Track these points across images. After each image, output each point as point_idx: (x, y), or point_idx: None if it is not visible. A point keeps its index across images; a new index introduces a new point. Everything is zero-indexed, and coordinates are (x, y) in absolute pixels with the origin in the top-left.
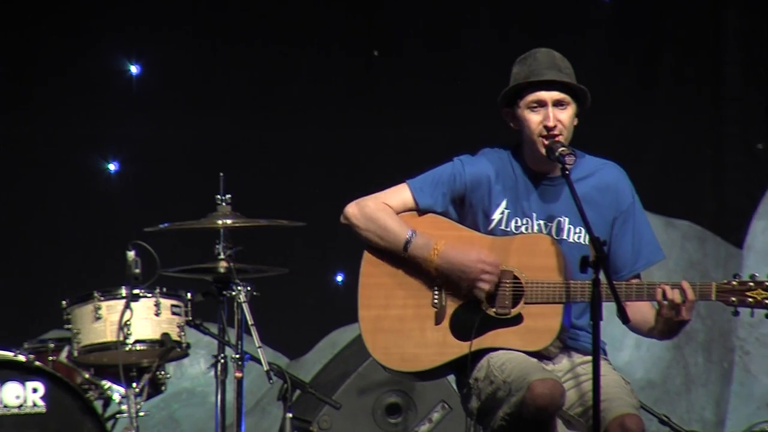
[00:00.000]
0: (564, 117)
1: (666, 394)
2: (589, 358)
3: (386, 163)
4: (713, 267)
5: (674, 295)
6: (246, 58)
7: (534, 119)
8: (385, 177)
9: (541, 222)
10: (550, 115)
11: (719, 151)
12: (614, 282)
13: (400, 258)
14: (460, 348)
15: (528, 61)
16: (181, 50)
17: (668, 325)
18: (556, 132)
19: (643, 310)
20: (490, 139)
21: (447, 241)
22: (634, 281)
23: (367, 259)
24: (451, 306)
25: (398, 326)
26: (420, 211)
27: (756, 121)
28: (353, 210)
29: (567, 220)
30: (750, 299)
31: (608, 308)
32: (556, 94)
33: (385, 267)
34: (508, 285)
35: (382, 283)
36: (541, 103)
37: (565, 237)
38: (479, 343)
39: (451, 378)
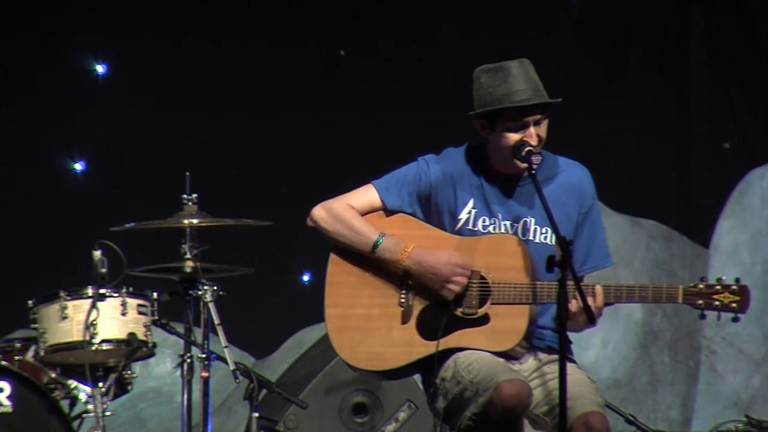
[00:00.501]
0: (541, 132)
1: (632, 393)
2: (555, 357)
3: (353, 163)
4: (679, 266)
5: (573, 306)
6: (212, 57)
7: (514, 137)
8: (352, 176)
9: (507, 222)
10: (533, 134)
11: (686, 150)
12: (547, 282)
13: (367, 258)
14: (426, 347)
15: (501, 75)
16: (148, 50)
17: (575, 324)
18: (537, 149)
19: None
20: (455, 138)
21: (416, 243)
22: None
23: (334, 260)
24: (417, 305)
25: (364, 325)
26: (387, 211)
27: (722, 121)
28: (320, 213)
29: (533, 220)
30: (716, 302)
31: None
32: (537, 117)
33: (351, 266)
34: (475, 285)
35: (349, 282)
36: (524, 126)
37: (531, 237)
38: (446, 342)
39: (418, 377)
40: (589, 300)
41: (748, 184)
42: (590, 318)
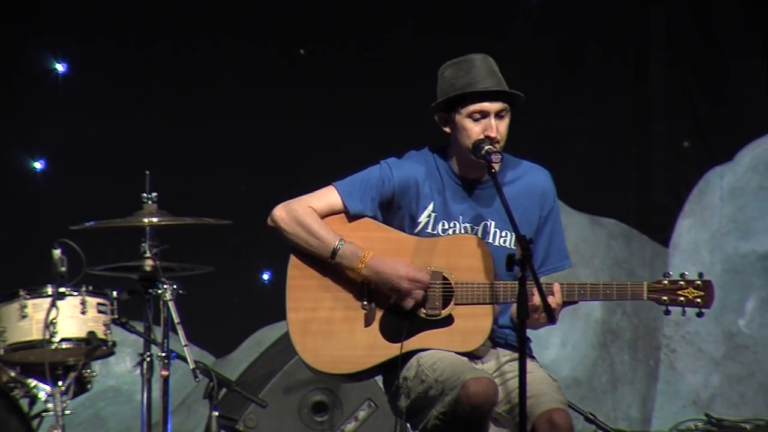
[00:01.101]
0: (503, 127)
1: (592, 392)
2: (516, 355)
3: (312, 162)
4: (639, 265)
5: (534, 301)
6: (172, 56)
7: (475, 129)
8: (312, 176)
9: (468, 225)
10: (494, 125)
11: (645, 149)
12: (502, 282)
13: (327, 262)
14: (390, 350)
15: (464, 67)
16: (107, 48)
17: (534, 322)
18: (496, 142)
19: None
20: (414, 140)
21: (373, 248)
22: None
23: (294, 262)
24: (380, 308)
25: (327, 328)
26: (349, 214)
27: (682, 120)
28: (281, 213)
29: (494, 223)
30: (681, 298)
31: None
32: (499, 105)
33: (312, 269)
34: (437, 286)
35: (310, 286)
36: (484, 114)
37: (490, 240)
38: (410, 344)
39: (378, 377)
40: (549, 298)
41: (707, 183)
42: (550, 317)
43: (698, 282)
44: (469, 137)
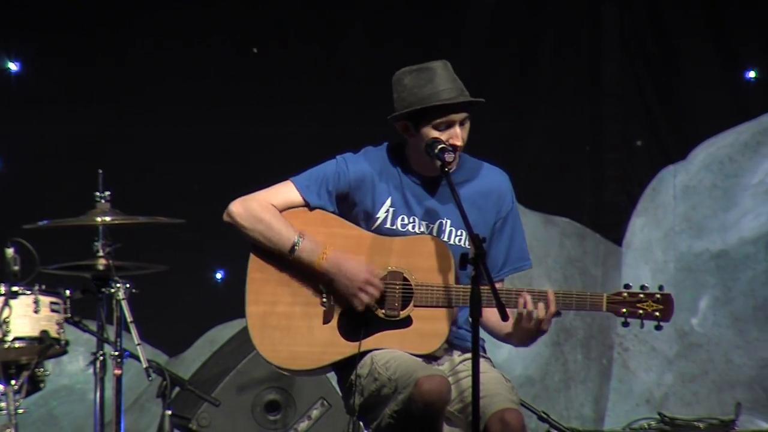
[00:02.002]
0: (466, 134)
1: (545, 390)
2: (469, 355)
3: (265, 160)
4: (592, 264)
5: (534, 307)
6: (125, 55)
7: (440, 138)
8: (264, 174)
9: (424, 223)
10: (459, 134)
11: (598, 147)
12: (481, 286)
13: (287, 258)
14: (347, 348)
15: (426, 75)
16: (61, 48)
17: (526, 334)
18: (459, 149)
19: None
20: (368, 136)
21: (334, 244)
22: (499, 286)
23: (254, 258)
24: (339, 305)
25: (286, 323)
26: (309, 208)
27: (635, 118)
28: (238, 209)
29: (449, 222)
30: (640, 311)
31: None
32: (463, 116)
33: (272, 264)
34: (397, 287)
35: (270, 280)
36: (449, 124)
37: (446, 239)
38: (367, 344)
39: (331, 375)
40: (540, 306)
41: (660, 181)
42: (503, 316)
43: (658, 295)
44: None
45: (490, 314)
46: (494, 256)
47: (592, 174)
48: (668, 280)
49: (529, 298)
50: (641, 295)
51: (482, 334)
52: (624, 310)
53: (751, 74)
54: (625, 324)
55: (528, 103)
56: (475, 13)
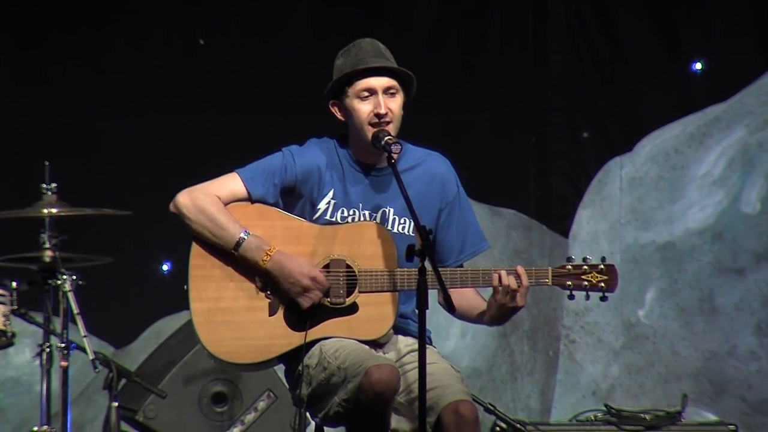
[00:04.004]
0: (394, 105)
1: (491, 382)
2: (416, 344)
3: (212, 152)
4: (539, 256)
5: (510, 281)
6: (70, 45)
7: (364, 109)
8: (211, 165)
9: (367, 212)
10: (381, 102)
11: (544, 139)
12: (450, 268)
13: (231, 253)
14: (294, 338)
15: (353, 51)
16: (4, 39)
17: (501, 311)
18: (387, 119)
19: (468, 296)
20: (312, 127)
21: (275, 235)
22: (469, 269)
23: (196, 251)
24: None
25: (231, 318)
26: (252, 201)
27: (581, 110)
28: (184, 200)
29: (392, 210)
30: (585, 283)
31: (433, 296)
32: (385, 81)
33: (214, 259)
34: (341, 274)
35: (213, 275)
36: (371, 92)
37: (390, 227)
38: (315, 333)
39: (278, 367)
40: (510, 279)
41: (606, 173)
42: (449, 308)
43: (601, 266)
44: (360, 117)
45: (460, 298)
46: (449, 243)
47: (538, 166)
48: None
49: (504, 273)
50: (585, 267)
51: (428, 324)
52: (569, 282)
53: (697, 66)
54: (571, 297)
55: (473, 94)
56: (421, 3)
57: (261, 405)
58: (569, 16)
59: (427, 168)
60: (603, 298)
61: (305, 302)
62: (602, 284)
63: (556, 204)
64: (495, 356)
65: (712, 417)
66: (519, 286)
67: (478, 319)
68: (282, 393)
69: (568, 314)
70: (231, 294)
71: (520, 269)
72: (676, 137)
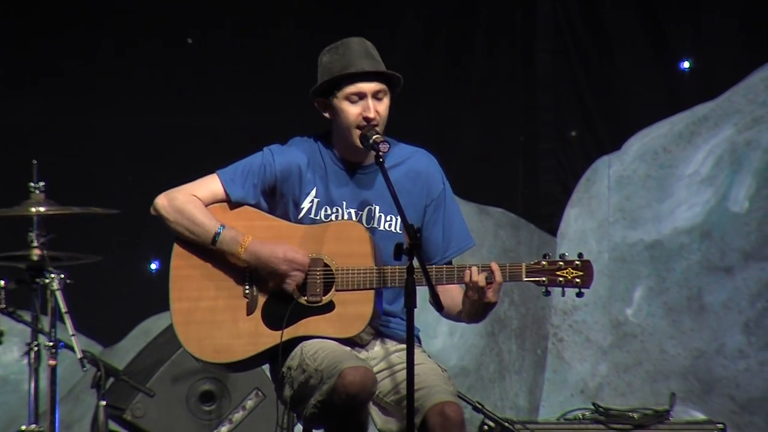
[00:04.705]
0: (382, 108)
1: (480, 381)
2: (404, 345)
3: (200, 151)
4: (527, 254)
5: (479, 278)
6: (58, 43)
7: (353, 111)
8: (198, 165)
9: (352, 210)
10: (371, 106)
11: (532, 138)
12: (393, 266)
13: (210, 250)
14: (273, 337)
15: (341, 50)
16: None
17: (474, 308)
18: (374, 123)
19: (452, 294)
20: (300, 127)
21: (255, 236)
22: (445, 266)
23: (177, 252)
24: (262, 296)
25: (210, 318)
26: (231, 202)
27: (569, 109)
28: (162, 202)
29: (378, 208)
30: (560, 279)
31: (421, 295)
32: (375, 86)
33: (195, 259)
34: (318, 273)
35: (193, 275)
36: (361, 95)
37: (376, 225)
38: (292, 332)
39: (266, 366)
40: (480, 276)
41: (594, 172)
42: (437, 306)
43: (577, 262)
44: (348, 119)
45: (446, 296)
46: (435, 240)
47: (526, 164)
48: (602, 270)
49: (474, 269)
50: (560, 263)
51: (416, 323)
52: (543, 278)
53: (685, 64)
54: (547, 293)
55: (462, 93)
56: (410, 2)
57: (249, 404)
58: (557, 15)
59: (412, 165)
60: (579, 294)
61: (288, 286)
62: (577, 280)
63: (545, 203)
64: (483, 355)
65: (700, 416)
66: (491, 282)
67: (457, 316)
68: (270, 392)
69: (557, 313)
70: (211, 294)
71: (494, 265)
72: (664, 136)
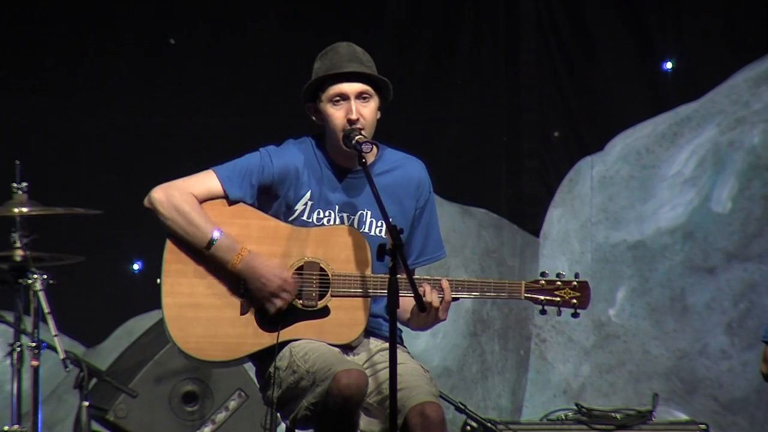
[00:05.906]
0: (366, 111)
1: (462, 381)
2: (386, 345)
3: (184, 151)
4: (510, 255)
5: (432, 298)
6: (40, 44)
7: (337, 114)
8: (182, 165)
9: (344, 214)
10: (353, 108)
11: (515, 138)
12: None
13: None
14: (264, 338)
15: (329, 55)
16: None
17: (423, 321)
18: (359, 126)
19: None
20: (284, 127)
21: (251, 234)
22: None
23: (170, 247)
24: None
25: (203, 315)
26: (229, 200)
27: (552, 109)
28: (159, 196)
29: (369, 213)
30: (558, 298)
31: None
32: (358, 87)
33: (188, 255)
34: (314, 277)
35: (186, 271)
36: (344, 97)
37: (366, 230)
38: (285, 335)
39: (249, 366)
40: (434, 295)
41: (578, 172)
42: (421, 308)
43: (575, 283)
44: (334, 123)
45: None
46: (412, 246)
47: (509, 165)
48: (585, 271)
49: (428, 287)
50: (558, 283)
51: (399, 324)
52: (542, 297)
53: (668, 65)
54: (543, 312)
55: (445, 93)
56: (392, 2)
57: (232, 404)
58: (541, 15)
59: (404, 172)
60: (575, 315)
61: (272, 307)
62: (574, 300)
63: (528, 203)
64: (466, 355)
65: (683, 416)
66: (441, 301)
67: (405, 323)
68: (253, 392)
69: (539, 314)
70: (203, 291)
71: (444, 283)
72: (647, 136)
